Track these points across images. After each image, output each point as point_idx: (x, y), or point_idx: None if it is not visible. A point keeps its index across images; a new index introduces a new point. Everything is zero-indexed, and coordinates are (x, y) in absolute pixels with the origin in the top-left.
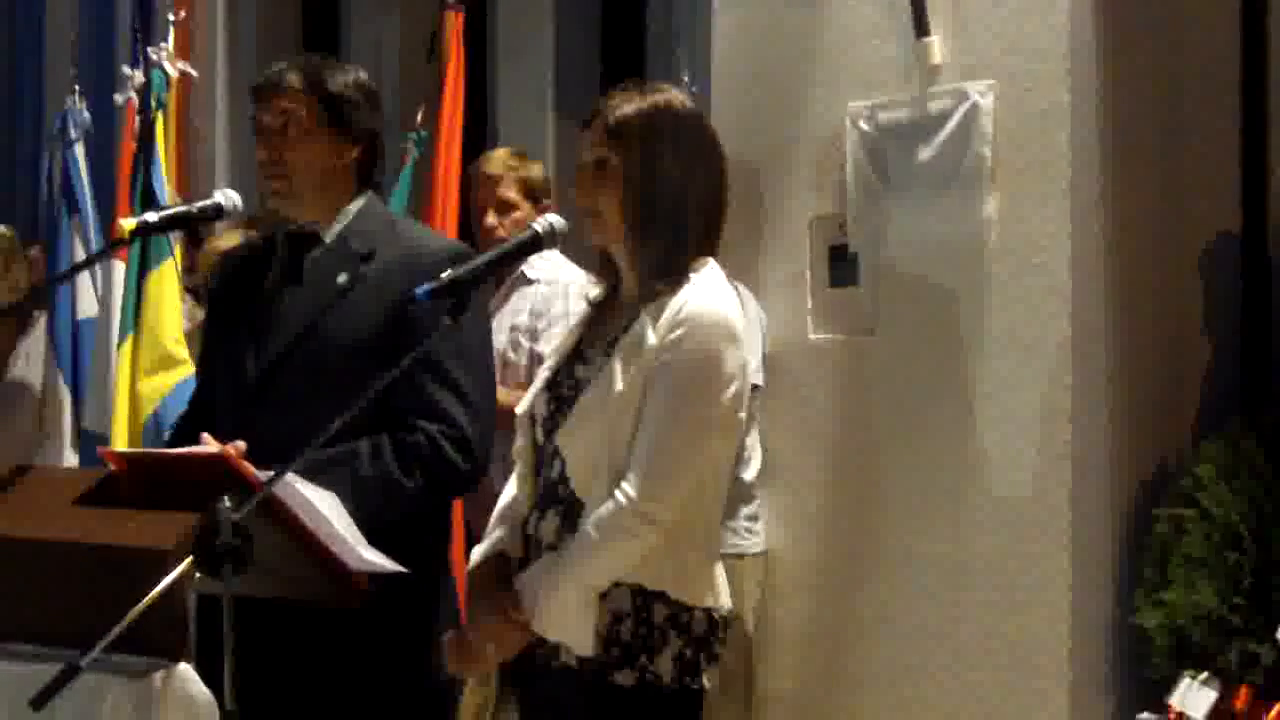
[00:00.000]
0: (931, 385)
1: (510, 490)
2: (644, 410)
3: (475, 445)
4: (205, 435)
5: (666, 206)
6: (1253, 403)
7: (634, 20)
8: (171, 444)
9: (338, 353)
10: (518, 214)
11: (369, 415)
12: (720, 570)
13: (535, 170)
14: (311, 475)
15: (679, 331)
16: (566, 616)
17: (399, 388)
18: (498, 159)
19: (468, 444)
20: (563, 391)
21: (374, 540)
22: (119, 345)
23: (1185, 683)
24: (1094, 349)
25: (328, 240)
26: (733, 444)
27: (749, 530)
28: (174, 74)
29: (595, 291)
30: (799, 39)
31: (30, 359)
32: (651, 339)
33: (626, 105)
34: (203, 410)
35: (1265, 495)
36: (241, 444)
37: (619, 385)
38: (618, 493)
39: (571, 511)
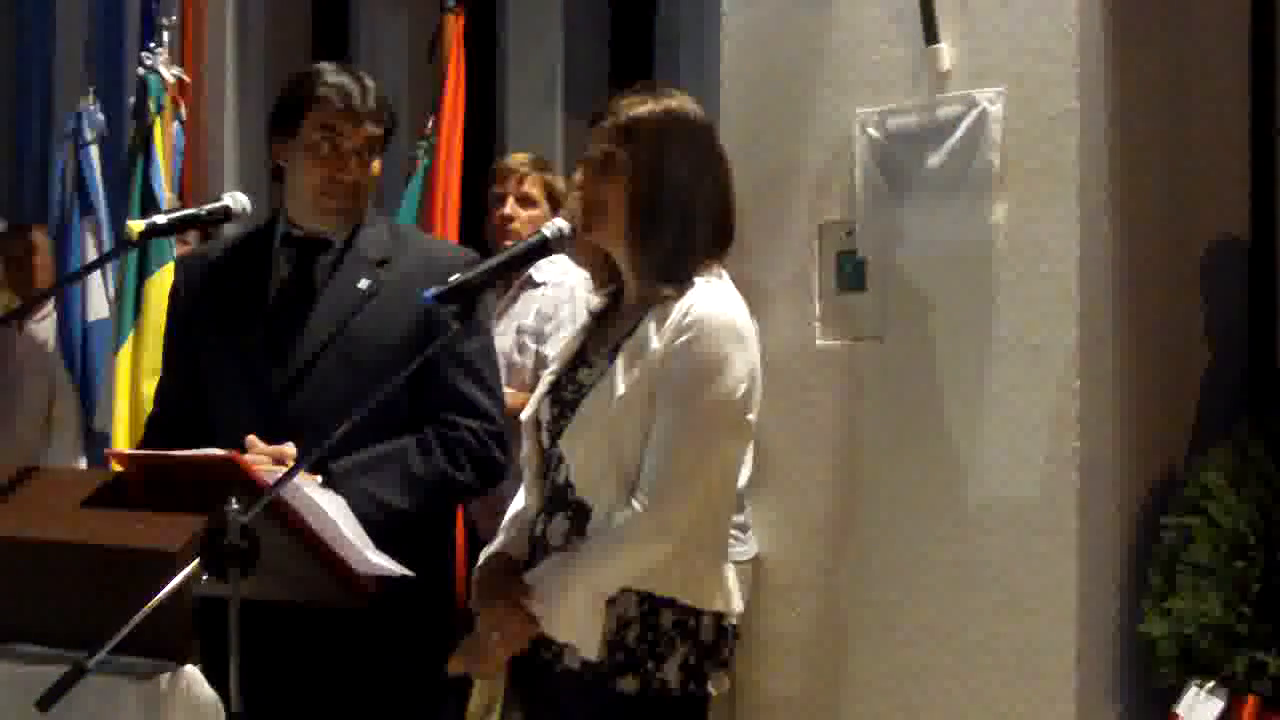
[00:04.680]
0: (939, 390)
1: (520, 497)
2: (653, 414)
3: (508, 439)
4: (252, 438)
5: (671, 208)
6: (1260, 407)
7: (643, 22)
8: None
9: (372, 354)
10: (536, 211)
11: (404, 412)
12: (731, 573)
13: (560, 180)
14: (363, 472)
15: (687, 335)
16: (575, 618)
17: (433, 385)
18: (525, 157)
19: (503, 438)
20: (565, 396)
21: (382, 542)
22: (119, 348)
23: (1192, 692)
24: (1102, 354)
25: (338, 246)
26: (743, 446)
27: (737, 538)
28: (170, 78)
29: (596, 300)
30: (807, 42)
31: (33, 360)
32: (655, 342)
33: (641, 106)
34: (181, 417)
35: (1273, 502)
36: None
37: (620, 388)
38: (634, 500)
39: (580, 515)
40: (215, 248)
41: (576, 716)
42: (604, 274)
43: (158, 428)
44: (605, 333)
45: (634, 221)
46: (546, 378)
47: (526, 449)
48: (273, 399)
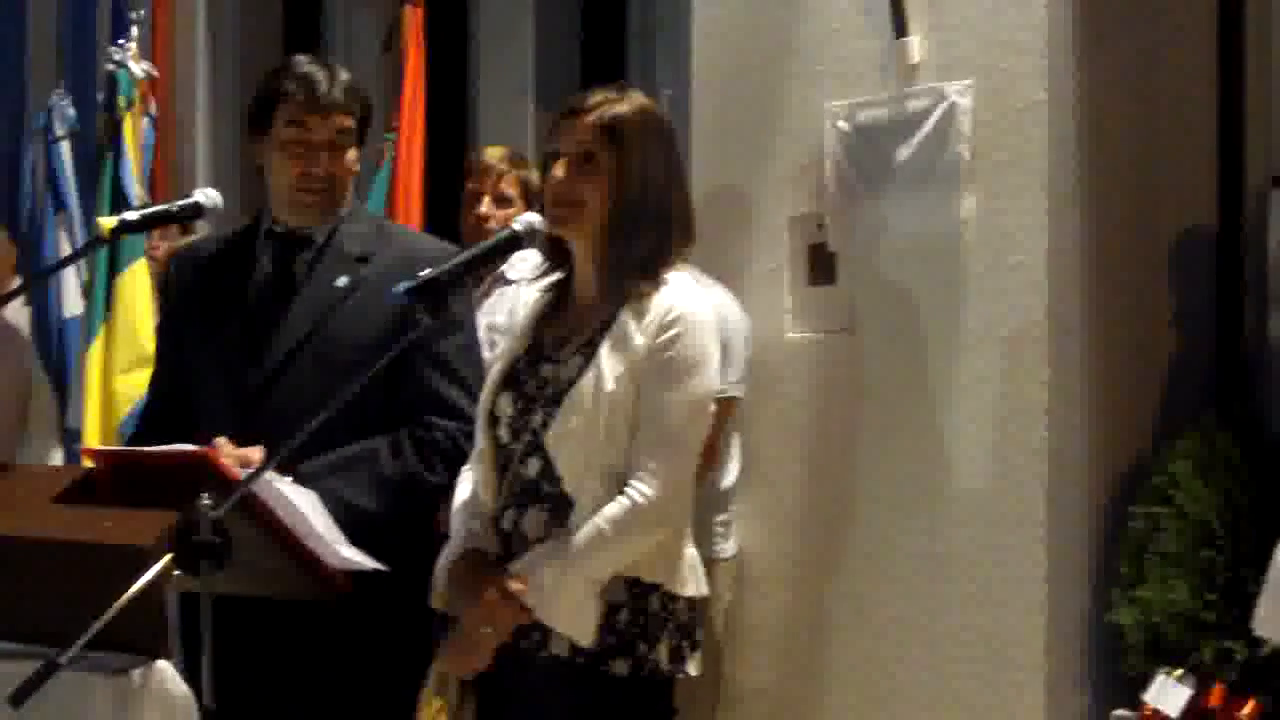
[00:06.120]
0: (908, 382)
1: (466, 489)
2: (637, 407)
3: None
4: (220, 440)
5: (651, 209)
6: (1226, 397)
7: (615, 15)
8: (136, 445)
9: (347, 353)
10: (512, 211)
11: (381, 412)
12: (697, 556)
13: (535, 175)
14: (332, 473)
15: (674, 331)
16: (572, 608)
17: (409, 385)
18: (502, 154)
19: None
20: (529, 390)
21: (359, 541)
22: (89, 345)
23: (1160, 680)
24: (1069, 344)
25: (319, 242)
26: (704, 434)
27: (721, 536)
28: (139, 73)
29: (537, 291)
30: (777, 35)
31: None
32: (639, 338)
33: (619, 105)
34: (170, 410)
35: (1239, 491)
36: (222, 440)
37: (610, 384)
38: (632, 491)
39: (559, 507)
40: (206, 243)
41: (565, 702)
42: (555, 262)
43: (150, 423)
44: (561, 327)
45: (613, 220)
46: (494, 374)
47: (480, 443)
48: (249, 397)
